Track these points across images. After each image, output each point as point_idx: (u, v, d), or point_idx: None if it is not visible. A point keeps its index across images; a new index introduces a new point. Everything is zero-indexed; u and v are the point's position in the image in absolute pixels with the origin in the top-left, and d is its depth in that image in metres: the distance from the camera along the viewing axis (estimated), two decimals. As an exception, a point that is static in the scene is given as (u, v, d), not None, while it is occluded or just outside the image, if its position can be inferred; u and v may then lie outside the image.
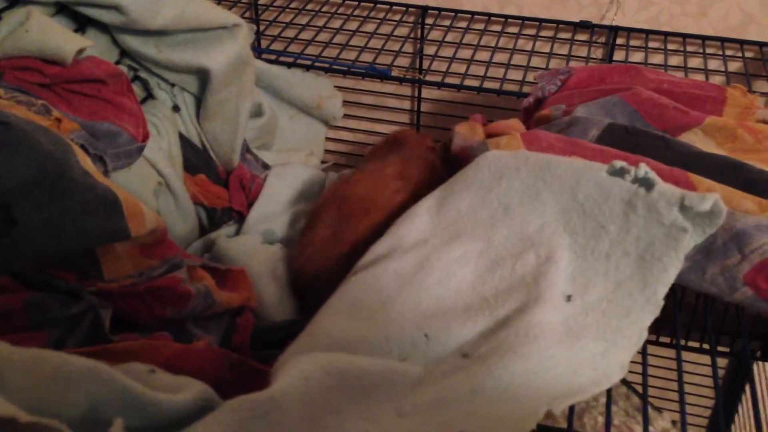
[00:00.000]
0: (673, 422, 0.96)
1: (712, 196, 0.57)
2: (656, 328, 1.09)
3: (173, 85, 0.94)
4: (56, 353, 0.40)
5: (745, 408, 1.16)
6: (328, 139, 1.23)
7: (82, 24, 0.85)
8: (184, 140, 0.93)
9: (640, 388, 1.22)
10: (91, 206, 0.62)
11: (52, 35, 0.74)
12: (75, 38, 0.76)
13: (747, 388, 1.15)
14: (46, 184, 0.58)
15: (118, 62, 0.89)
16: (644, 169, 0.61)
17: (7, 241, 0.55)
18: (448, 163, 0.88)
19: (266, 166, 1.06)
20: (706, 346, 1.11)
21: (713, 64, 1.12)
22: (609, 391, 0.60)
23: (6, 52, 0.74)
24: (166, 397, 0.41)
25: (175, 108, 0.93)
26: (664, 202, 0.58)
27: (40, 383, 0.38)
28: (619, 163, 0.62)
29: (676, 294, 0.68)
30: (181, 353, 0.59)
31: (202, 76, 0.92)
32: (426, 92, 1.27)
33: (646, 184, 0.60)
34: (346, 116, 1.23)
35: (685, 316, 1.00)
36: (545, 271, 0.61)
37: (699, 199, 0.57)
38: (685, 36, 1.13)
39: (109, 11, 0.82)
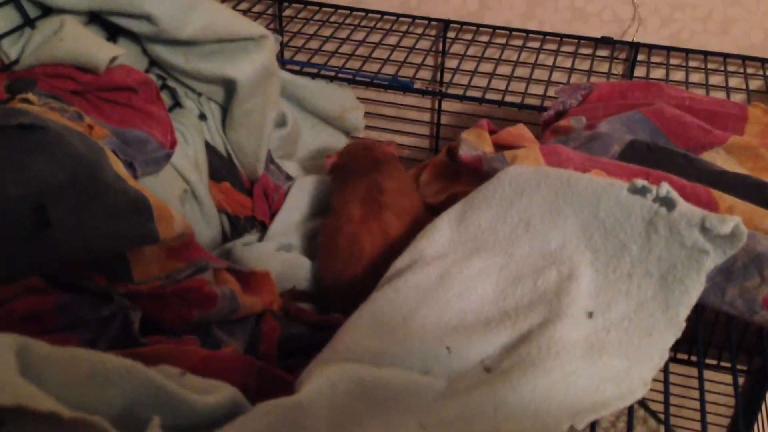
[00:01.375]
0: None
1: (733, 219, 0.57)
2: (674, 344, 1.08)
3: (200, 94, 0.96)
4: (93, 352, 0.41)
5: (760, 427, 1.16)
6: (348, 149, 1.24)
7: (113, 34, 0.87)
8: (209, 148, 0.95)
9: (654, 405, 1.22)
10: (122, 210, 0.63)
11: (85, 44, 0.76)
12: (108, 47, 0.78)
13: (764, 406, 1.14)
14: (79, 188, 0.60)
15: (147, 71, 0.91)
16: (666, 188, 0.61)
17: (41, 242, 0.57)
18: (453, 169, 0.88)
19: (289, 177, 1.07)
20: (724, 363, 1.10)
21: (734, 81, 1.13)
22: (630, 417, 0.60)
23: (40, 60, 0.76)
24: (199, 398, 0.42)
25: (202, 116, 0.95)
26: (684, 223, 0.59)
27: (77, 382, 0.39)
28: (640, 182, 0.62)
29: (698, 311, 0.68)
30: (208, 359, 0.60)
31: (229, 86, 0.93)
32: (446, 105, 1.28)
33: (668, 203, 0.60)
34: (367, 127, 1.24)
35: (704, 333, 1.00)
36: (567, 287, 0.61)
37: (719, 221, 0.57)
38: (706, 53, 1.14)
39: (140, 21, 0.83)
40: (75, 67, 0.76)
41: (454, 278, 0.65)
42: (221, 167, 0.97)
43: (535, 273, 0.64)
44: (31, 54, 0.76)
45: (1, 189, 0.57)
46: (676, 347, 1.10)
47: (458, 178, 0.92)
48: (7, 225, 0.56)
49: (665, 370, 0.66)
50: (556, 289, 0.62)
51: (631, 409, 0.60)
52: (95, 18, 0.85)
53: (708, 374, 1.29)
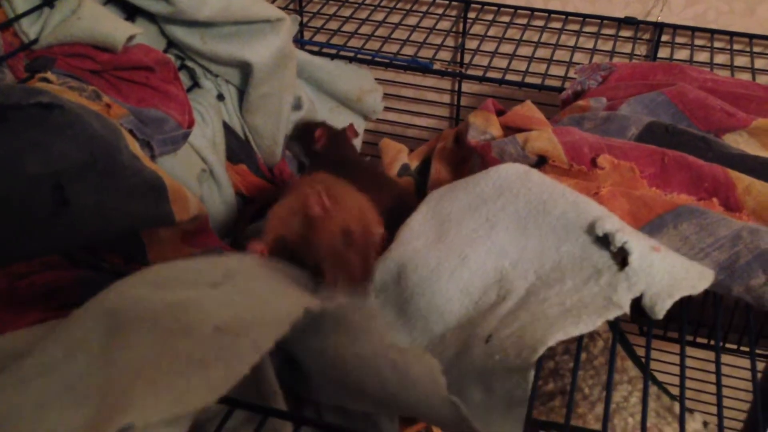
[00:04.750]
0: (705, 423, 0.95)
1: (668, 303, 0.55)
2: (694, 329, 1.07)
3: (217, 76, 0.96)
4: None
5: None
6: (366, 131, 1.24)
7: (131, 13, 0.87)
8: (227, 129, 0.95)
9: (670, 389, 1.21)
10: (137, 190, 0.64)
11: (103, 22, 0.76)
12: (125, 26, 0.78)
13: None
14: (96, 167, 0.60)
15: (165, 52, 0.91)
16: (622, 240, 0.58)
17: (60, 220, 0.57)
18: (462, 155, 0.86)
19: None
20: (744, 348, 1.09)
21: (760, 63, 1.10)
22: (645, 391, 0.59)
23: (59, 39, 0.76)
24: None
25: (220, 97, 0.95)
26: (625, 286, 0.56)
27: None
28: (604, 229, 0.59)
29: (717, 296, 0.67)
30: None
31: (245, 69, 0.93)
32: (466, 86, 1.27)
33: (623, 256, 0.58)
34: (386, 109, 1.24)
35: (723, 318, 0.99)
36: (494, 310, 0.60)
37: (659, 301, 0.55)
38: (732, 34, 1.11)
39: (158, 1, 0.83)
40: (93, 47, 0.77)
41: (409, 276, 0.64)
42: (238, 149, 0.97)
43: (480, 290, 0.62)
44: (49, 33, 0.76)
45: (20, 167, 0.57)
46: (696, 332, 1.09)
47: (465, 164, 0.90)
48: (27, 203, 0.57)
49: (682, 354, 0.66)
50: (488, 309, 0.61)
51: (646, 384, 0.60)
52: (113, -2, 0.85)
53: (730, 360, 1.28)
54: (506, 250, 0.63)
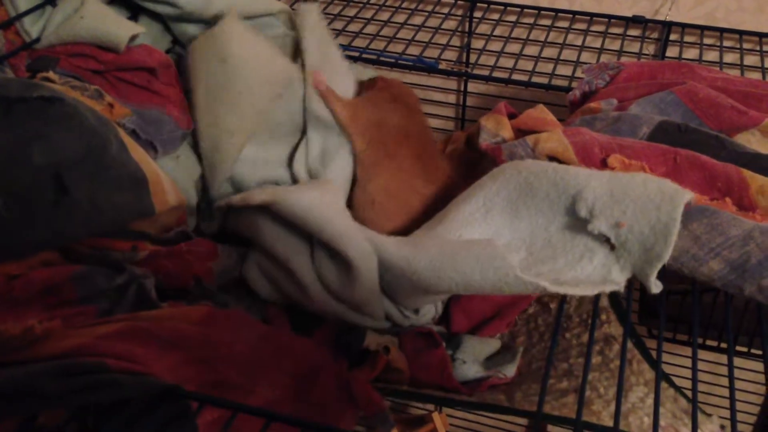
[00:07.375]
0: (722, 426, 0.94)
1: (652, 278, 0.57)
2: (703, 331, 1.06)
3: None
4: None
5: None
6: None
7: (135, 12, 0.86)
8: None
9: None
10: (123, 182, 0.65)
11: (106, 22, 0.76)
12: (129, 25, 0.78)
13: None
14: (91, 158, 0.62)
15: (169, 50, 0.89)
16: (595, 228, 0.60)
17: (60, 210, 0.59)
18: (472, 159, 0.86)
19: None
20: (754, 350, 1.08)
21: (770, 62, 1.09)
22: (657, 393, 0.59)
23: (61, 38, 0.75)
24: None
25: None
26: (617, 268, 0.58)
27: None
28: (580, 214, 0.60)
29: (728, 298, 0.66)
30: (211, 314, 0.61)
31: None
32: (472, 86, 1.26)
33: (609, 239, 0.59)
34: (392, 109, 1.22)
35: (734, 320, 0.98)
36: None
37: (645, 279, 0.57)
38: (741, 33, 1.10)
39: (164, 5, 0.82)
40: (96, 46, 0.76)
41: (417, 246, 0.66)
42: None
43: None
44: (51, 32, 0.75)
45: (26, 157, 0.59)
46: (705, 334, 1.07)
47: (476, 167, 0.90)
48: (32, 192, 0.59)
49: (693, 357, 0.65)
50: None
51: (657, 385, 0.59)
52: (117, -4, 0.85)
53: (740, 362, 1.27)
54: (500, 232, 0.65)
